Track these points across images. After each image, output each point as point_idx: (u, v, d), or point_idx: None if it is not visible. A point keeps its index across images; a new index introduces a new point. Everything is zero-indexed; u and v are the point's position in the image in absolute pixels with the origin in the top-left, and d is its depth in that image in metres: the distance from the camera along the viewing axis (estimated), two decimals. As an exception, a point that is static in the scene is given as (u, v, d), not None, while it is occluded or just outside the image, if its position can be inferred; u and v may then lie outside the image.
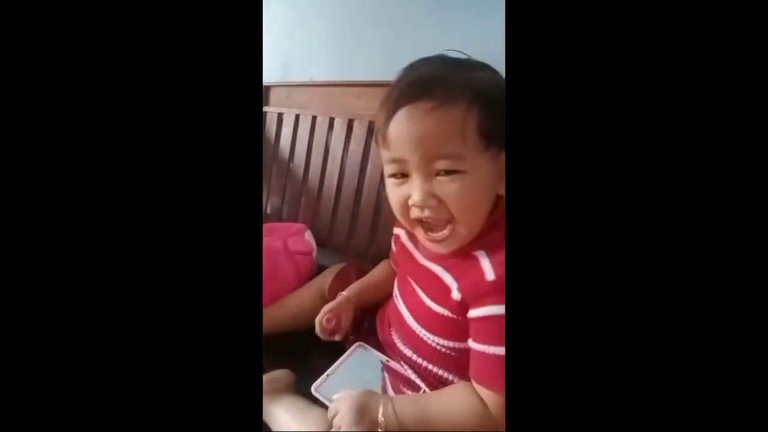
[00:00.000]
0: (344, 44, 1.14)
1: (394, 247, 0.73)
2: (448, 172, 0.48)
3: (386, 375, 0.66)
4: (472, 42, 0.81)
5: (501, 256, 0.50)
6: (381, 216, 1.02)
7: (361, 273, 0.83)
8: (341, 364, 0.66)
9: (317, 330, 0.70)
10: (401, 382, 0.64)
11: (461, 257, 0.54)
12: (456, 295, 0.53)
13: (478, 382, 0.52)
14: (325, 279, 0.83)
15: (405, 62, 0.55)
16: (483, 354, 0.51)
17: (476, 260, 0.52)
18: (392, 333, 0.68)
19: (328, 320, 0.70)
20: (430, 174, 0.49)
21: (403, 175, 0.51)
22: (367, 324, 0.77)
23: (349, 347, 0.70)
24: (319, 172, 1.13)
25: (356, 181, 1.04)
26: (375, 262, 0.85)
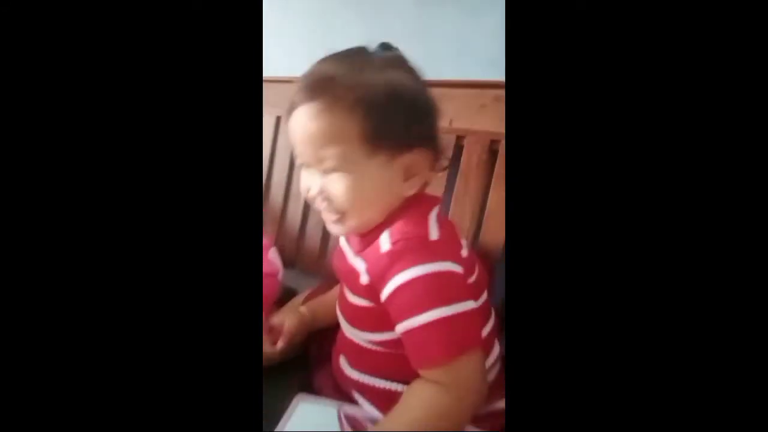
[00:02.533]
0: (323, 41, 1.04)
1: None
2: (337, 170, 0.52)
3: (344, 422, 0.60)
4: (469, 39, 0.87)
5: (398, 228, 0.52)
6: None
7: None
8: (285, 423, 0.58)
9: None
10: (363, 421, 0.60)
11: (371, 245, 0.55)
12: (364, 279, 0.54)
13: (420, 367, 0.50)
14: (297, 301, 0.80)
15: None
16: (409, 332, 0.49)
17: (378, 241, 0.54)
18: (340, 358, 0.66)
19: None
20: (321, 171, 0.53)
21: (308, 167, 0.55)
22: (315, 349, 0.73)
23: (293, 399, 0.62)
24: (285, 179, 1.03)
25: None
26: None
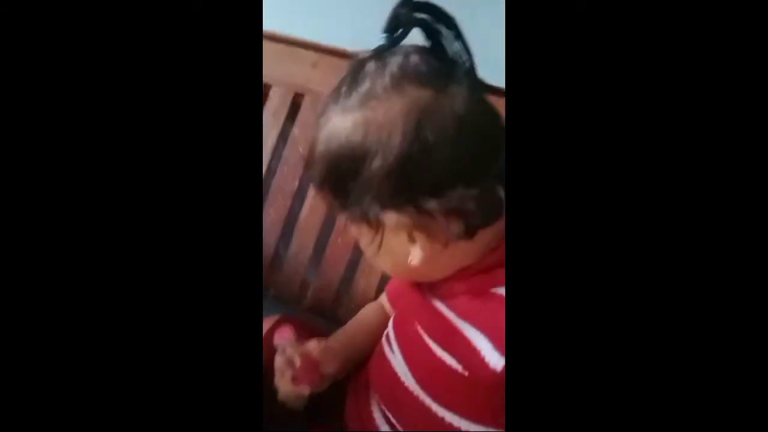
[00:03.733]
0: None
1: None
2: None
3: None
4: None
5: None
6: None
7: (304, 329, 0.60)
8: None
9: (285, 396, 0.50)
10: None
11: (478, 298, 0.43)
12: (496, 361, 0.39)
13: None
14: None
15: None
16: None
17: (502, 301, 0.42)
18: (374, 412, 0.52)
19: (301, 373, 0.47)
20: None
21: None
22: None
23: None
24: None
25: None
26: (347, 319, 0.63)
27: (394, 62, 0.39)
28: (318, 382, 0.48)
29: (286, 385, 0.48)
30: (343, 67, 0.68)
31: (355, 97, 0.39)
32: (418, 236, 0.40)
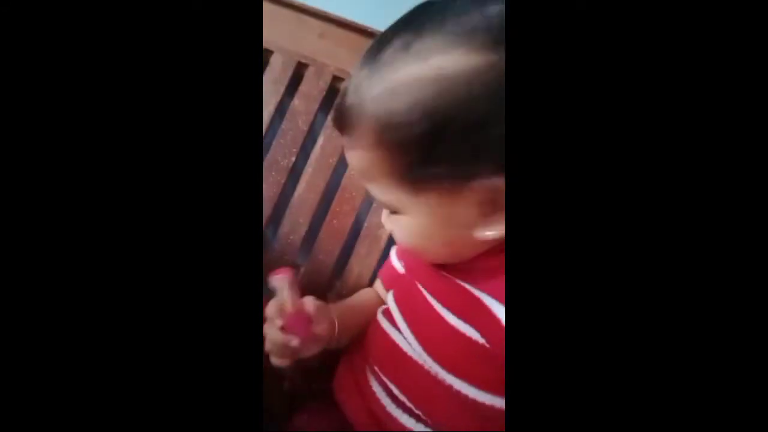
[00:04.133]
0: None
1: (397, 262, 0.56)
2: (388, 207, 0.43)
3: None
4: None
5: None
6: (365, 223, 0.68)
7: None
8: None
9: (272, 345, 0.43)
10: None
11: (497, 274, 0.41)
12: None
13: None
14: None
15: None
16: None
17: None
18: (373, 385, 0.47)
19: (290, 322, 0.42)
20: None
21: None
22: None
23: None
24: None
25: (318, 161, 0.70)
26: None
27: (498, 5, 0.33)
28: (307, 338, 0.43)
29: (273, 332, 0.42)
30: (351, 39, 0.64)
31: (476, 33, 0.32)
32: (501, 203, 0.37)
